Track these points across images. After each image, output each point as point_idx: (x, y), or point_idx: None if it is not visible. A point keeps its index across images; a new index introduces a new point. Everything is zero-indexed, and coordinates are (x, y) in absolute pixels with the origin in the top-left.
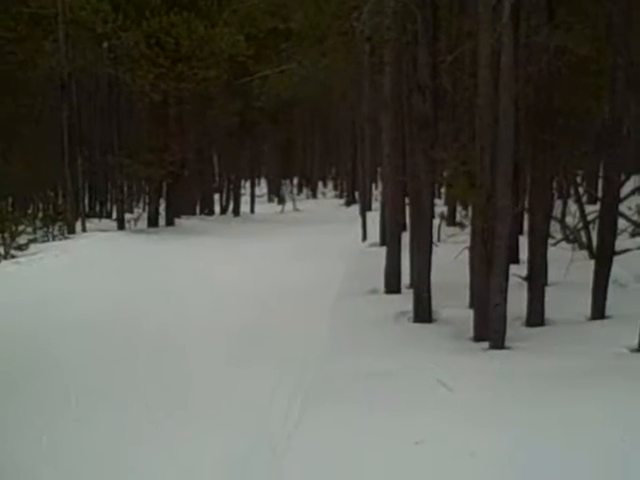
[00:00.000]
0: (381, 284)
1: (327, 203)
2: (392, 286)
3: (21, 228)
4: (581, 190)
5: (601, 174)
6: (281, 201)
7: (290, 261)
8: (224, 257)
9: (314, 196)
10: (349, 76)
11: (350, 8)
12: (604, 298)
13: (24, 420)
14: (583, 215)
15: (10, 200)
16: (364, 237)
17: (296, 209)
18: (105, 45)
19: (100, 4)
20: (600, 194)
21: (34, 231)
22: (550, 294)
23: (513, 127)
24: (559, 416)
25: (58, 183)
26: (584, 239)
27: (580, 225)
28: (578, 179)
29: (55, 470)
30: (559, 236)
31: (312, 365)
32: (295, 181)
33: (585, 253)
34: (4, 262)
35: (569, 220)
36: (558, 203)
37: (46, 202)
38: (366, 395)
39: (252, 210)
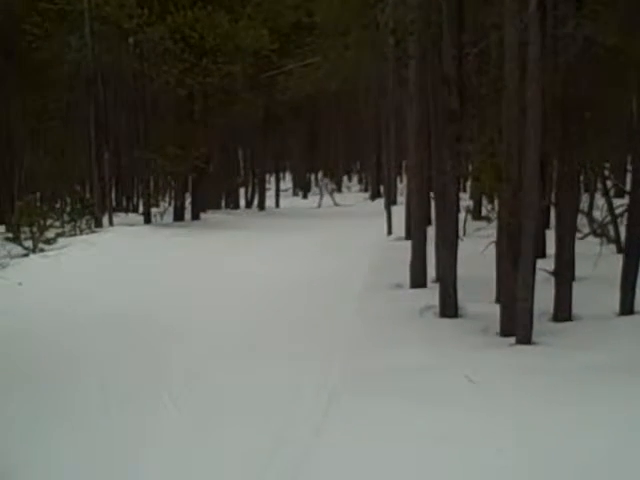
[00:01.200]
0: (407, 278)
1: (352, 197)
2: (418, 280)
3: (49, 222)
4: (609, 183)
5: (629, 167)
6: (320, 195)
7: (315, 255)
8: (250, 251)
9: (339, 190)
10: (374, 69)
11: (374, 1)
12: (633, 293)
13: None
14: (611, 209)
15: (38, 194)
16: (389, 231)
17: (336, 204)
18: (131, 40)
19: (125, 0)
20: (628, 187)
21: (62, 225)
22: (578, 289)
23: (540, 120)
24: (585, 413)
25: (85, 177)
26: (612, 233)
27: (608, 219)
28: (606, 172)
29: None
30: (586, 230)
31: (338, 360)
32: (320, 175)
33: (613, 247)
34: (32, 255)
35: (596, 214)
36: (585, 196)
37: (74, 196)
38: (392, 390)
39: (277, 204)
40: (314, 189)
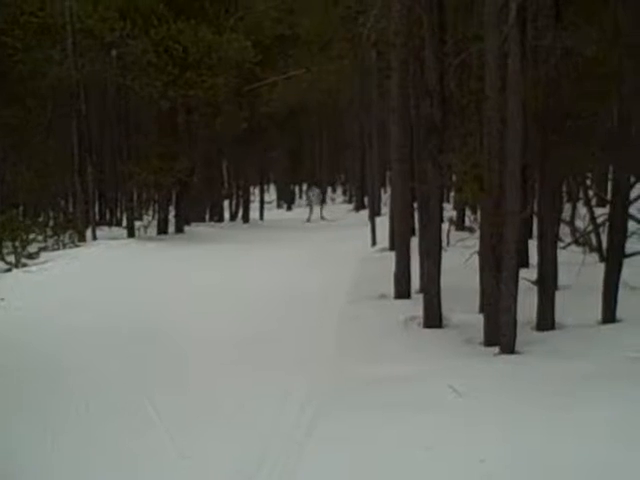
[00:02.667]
0: (391, 289)
1: (336, 208)
2: (402, 291)
3: (32, 236)
4: (590, 193)
5: (610, 176)
6: (309, 207)
7: (299, 267)
8: (233, 264)
9: (323, 201)
10: (356, 81)
11: (356, 13)
12: (615, 302)
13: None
14: (593, 218)
15: (21, 208)
16: (373, 242)
17: (322, 217)
18: (113, 53)
19: (107, 12)
20: (609, 196)
21: (45, 239)
22: (560, 298)
23: (521, 130)
24: (569, 421)
25: (68, 191)
26: (594, 242)
27: (590, 228)
28: (587, 182)
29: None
30: (569, 239)
31: (323, 371)
32: (304, 187)
33: (595, 256)
34: (15, 270)
35: (579, 223)
36: (567, 206)
37: (56, 210)
38: (377, 400)
39: (261, 216)
40: (298, 201)
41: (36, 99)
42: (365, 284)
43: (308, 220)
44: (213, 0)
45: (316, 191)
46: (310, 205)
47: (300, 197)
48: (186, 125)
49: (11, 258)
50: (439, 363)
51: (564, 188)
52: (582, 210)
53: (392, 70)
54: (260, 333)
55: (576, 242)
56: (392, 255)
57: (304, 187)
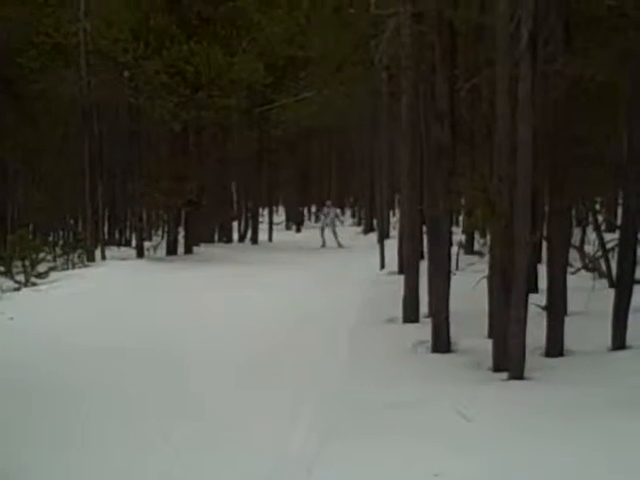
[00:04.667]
0: (399, 313)
1: (345, 231)
2: (410, 315)
3: (41, 256)
4: (600, 218)
5: (620, 201)
6: (322, 229)
7: (308, 290)
8: (242, 285)
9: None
10: (367, 104)
11: (368, 37)
12: (624, 328)
13: None
14: (602, 243)
15: (31, 227)
16: (382, 265)
17: (340, 244)
18: (126, 74)
19: (120, 34)
20: (619, 222)
21: (54, 259)
22: (570, 324)
23: (531, 155)
24: (577, 449)
25: (78, 211)
26: (603, 267)
27: (599, 253)
28: (597, 207)
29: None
30: (578, 265)
31: (330, 396)
32: (313, 209)
33: (605, 282)
34: (24, 289)
35: (588, 248)
36: (577, 231)
37: (66, 230)
38: (384, 426)
39: (270, 238)
40: (307, 222)
41: (49, 119)
42: (373, 308)
43: (323, 245)
44: (225, 22)
45: (335, 210)
46: (323, 228)
47: (309, 219)
48: (197, 146)
49: (21, 277)
50: (447, 388)
51: (573, 213)
52: (591, 235)
53: (403, 93)
54: (267, 355)
55: (585, 267)
56: (401, 278)
57: (313, 209)
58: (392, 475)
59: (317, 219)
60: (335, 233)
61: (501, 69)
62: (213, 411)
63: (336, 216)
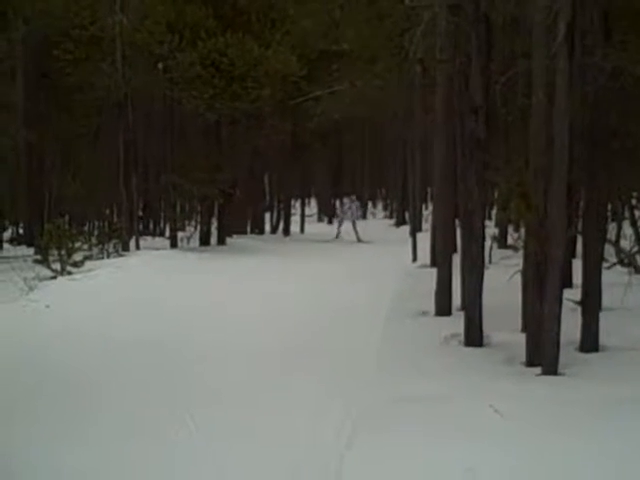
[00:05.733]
0: (431, 306)
1: (376, 224)
2: (443, 308)
3: (77, 245)
4: (636, 213)
5: None
6: (340, 220)
7: (340, 282)
8: (275, 276)
9: (364, 216)
10: (400, 97)
11: (402, 29)
12: None
13: None
14: (638, 238)
15: (67, 217)
16: (414, 258)
17: (359, 239)
18: (160, 66)
19: (156, 27)
20: None
21: (90, 248)
22: (605, 319)
23: (567, 148)
24: (612, 445)
25: (113, 201)
26: (639, 263)
27: (635, 248)
28: (633, 201)
29: None
30: (614, 260)
31: (362, 388)
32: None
33: None
34: (60, 278)
35: (624, 243)
36: (612, 226)
37: (101, 220)
38: (416, 418)
39: (302, 230)
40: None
41: (84, 110)
42: (406, 300)
43: (337, 236)
44: (260, 14)
45: (355, 202)
46: (341, 220)
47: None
48: (230, 137)
49: (57, 266)
50: (480, 382)
51: (609, 207)
52: (627, 230)
53: (437, 86)
54: (299, 347)
55: (621, 263)
56: (433, 271)
57: (340, 201)
58: (423, 467)
59: (339, 212)
60: (355, 226)
61: (538, 62)
62: (242, 402)
63: (356, 208)
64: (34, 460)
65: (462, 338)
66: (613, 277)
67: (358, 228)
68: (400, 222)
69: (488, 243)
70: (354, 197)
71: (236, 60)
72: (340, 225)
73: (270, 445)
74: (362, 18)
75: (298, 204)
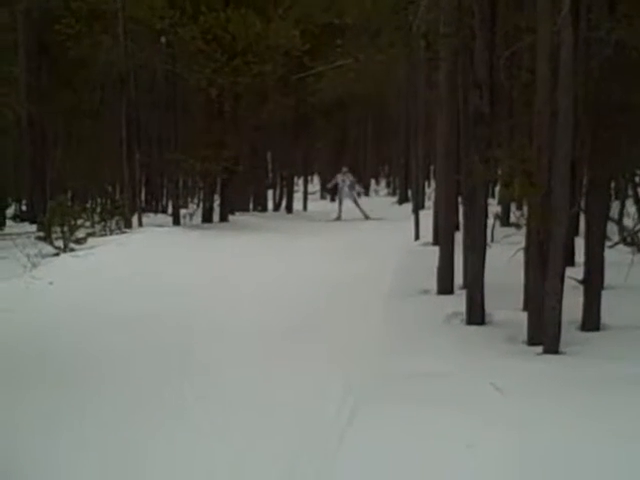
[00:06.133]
0: (433, 284)
1: (379, 201)
2: (444, 286)
3: (80, 222)
4: None
5: None
6: (339, 200)
7: (341, 258)
8: (278, 253)
9: (366, 194)
10: (404, 72)
11: (406, 3)
12: None
13: None
14: None
15: (69, 194)
16: (416, 236)
17: (366, 216)
18: (162, 40)
19: (157, 1)
20: None
21: (92, 225)
22: (607, 298)
23: (571, 125)
24: (611, 424)
25: (116, 177)
26: None
27: (639, 227)
28: (637, 179)
29: None
30: (617, 238)
31: (363, 364)
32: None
33: None
34: (63, 255)
35: (627, 222)
36: (616, 204)
37: (104, 196)
38: (417, 395)
39: (305, 207)
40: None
41: (86, 84)
42: (407, 278)
43: (338, 218)
44: None
45: (351, 178)
46: (341, 199)
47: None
48: (233, 113)
49: (59, 243)
50: (481, 360)
51: (613, 185)
52: (631, 208)
53: (441, 61)
54: (298, 324)
55: (624, 241)
56: (435, 249)
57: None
58: (423, 443)
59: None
60: (357, 203)
61: (542, 36)
62: (243, 377)
63: (352, 185)
64: (37, 436)
65: (464, 316)
66: (616, 256)
67: (362, 206)
68: (403, 199)
69: (491, 221)
70: (345, 169)
71: (237, 35)
72: (341, 204)
73: (270, 418)
74: None
75: (301, 181)
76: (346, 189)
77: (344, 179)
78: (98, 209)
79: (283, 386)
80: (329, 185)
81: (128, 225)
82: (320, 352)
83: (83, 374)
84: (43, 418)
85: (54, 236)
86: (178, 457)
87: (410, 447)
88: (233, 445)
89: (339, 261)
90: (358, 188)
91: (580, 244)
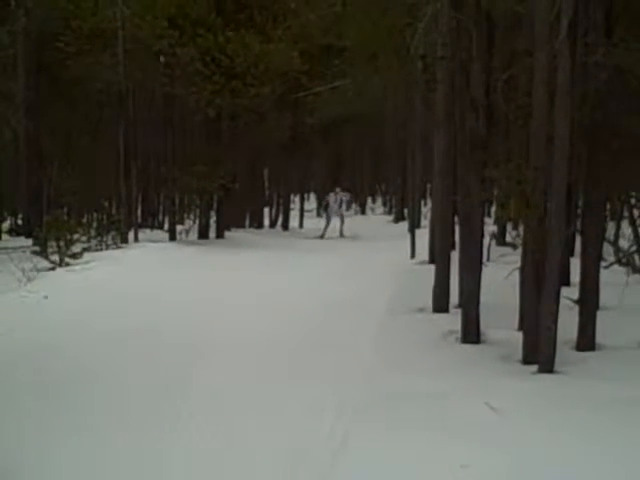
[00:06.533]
0: (429, 302)
1: (375, 219)
2: (440, 305)
3: (76, 237)
4: (635, 212)
5: None
6: (327, 219)
7: (337, 277)
8: (273, 270)
9: (363, 212)
10: (401, 93)
11: (404, 25)
12: None
13: None
14: (637, 238)
15: (66, 209)
16: (413, 254)
17: (342, 234)
18: (162, 60)
19: (156, 21)
20: None
21: (88, 240)
22: (602, 318)
23: (568, 147)
24: (606, 445)
25: (112, 193)
26: (638, 262)
27: (634, 248)
28: (632, 200)
29: None
30: (612, 259)
31: (358, 384)
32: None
33: (639, 277)
34: (59, 269)
35: (622, 243)
36: (611, 225)
37: (100, 212)
38: (412, 415)
39: (301, 225)
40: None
41: (85, 102)
42: (403, 296)
43: (322, 237)
44: (261, 9)
45: (342, 195)
46: (329, 217)
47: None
48: (230, 132)
49: (55, 257)
50: (476, 379)
51: (608, 206)
52: (626, 230)
53: (438, 82)
54: (293, 341)
55: (619, 262)
56: (431, 268)
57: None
58: (418, 463)
59: (323, 207)
60: (342, 220)
61: (539, 59)
62: (237, 396)
63: (342, 202)
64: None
65: (459, 335)
66: (611, 276)
67: (344, 225)
68: (399, 218)
69: (487, 240)
70: (338, 189)
71: (236, 57)
72: (328, 223)
73: (266, 433)
74: (364, 12)
75: (297, 199)
76: (336, 207)
77: (336, 199)
78: (94, 224)
79: (275, 406)
80: (323, 204)
81: (124, 240)
82: (315, 371)
83: (78, 389)
84: (37, 432)
85: (50, 250)
86: (173, 472)
87: (404, 467)
88: (224, 465)
89: (335, 279)
90: (345, 207)
91: (576, 264)
